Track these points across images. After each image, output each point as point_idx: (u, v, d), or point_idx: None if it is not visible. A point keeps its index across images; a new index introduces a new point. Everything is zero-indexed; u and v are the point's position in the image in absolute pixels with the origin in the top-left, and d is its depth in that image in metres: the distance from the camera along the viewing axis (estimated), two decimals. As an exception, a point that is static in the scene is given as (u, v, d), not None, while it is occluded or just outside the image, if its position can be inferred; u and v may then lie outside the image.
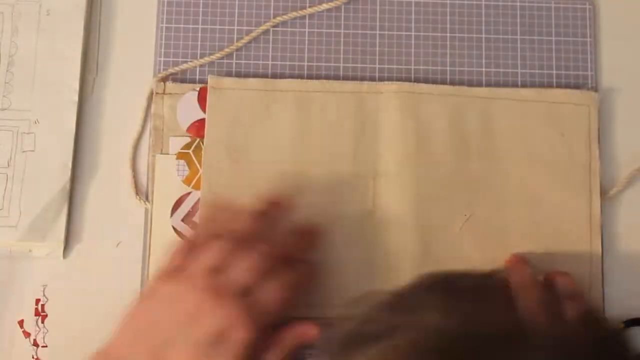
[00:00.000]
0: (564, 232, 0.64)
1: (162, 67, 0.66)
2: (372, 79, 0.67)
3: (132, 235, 0.64)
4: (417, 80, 0.67)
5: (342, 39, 0.68)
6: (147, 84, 0.66)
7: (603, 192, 0.66)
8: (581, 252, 0.64)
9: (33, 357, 0.62)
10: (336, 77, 0.67)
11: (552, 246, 0.64)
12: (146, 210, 0.64)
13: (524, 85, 0.68)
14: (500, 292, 0.53)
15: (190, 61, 0.66)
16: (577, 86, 0.68)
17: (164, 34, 0.67)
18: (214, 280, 0.53)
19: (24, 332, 0.62)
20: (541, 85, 0.68)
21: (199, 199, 0.63)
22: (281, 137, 0.64)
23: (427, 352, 0.46)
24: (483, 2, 0.69)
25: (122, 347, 0.53)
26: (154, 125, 0.65)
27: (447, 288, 0.52)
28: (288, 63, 0.67)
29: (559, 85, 0.68)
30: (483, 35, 0.68)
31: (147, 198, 0.64)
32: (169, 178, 0.64)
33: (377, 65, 0.67)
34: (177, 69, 0.66)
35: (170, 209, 0.64)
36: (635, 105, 0.68)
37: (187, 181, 0.64)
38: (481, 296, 0.52)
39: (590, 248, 0.64)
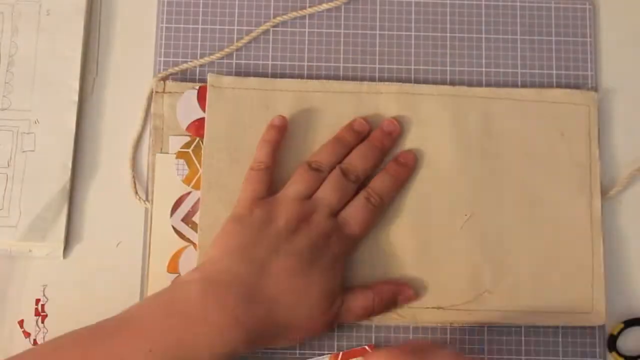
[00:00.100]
0: (564, 232, 0.64)
1: (162, 67, 0.66)
2: (372, 79, 0.67)
3: (132, 235, 0.64)
4: (417, 80, 0.67)
5: (342, 39, 0.68)
6: (147, 84, 0.66)
7: (603, 192, 0.66)
8: (581, 252, 0.64)
9: (33, 357, 0.62)
10: (336, 77, 0.67)
11: (552, 246, 0.64)
12: (146, 210, 0.64)
13: (524, 85, 0.68)
14: None
15: (190, 61, 0.67)
16: (577, 86, 0.68)
17: (164, 34, 0.67)
18: (302, 204, 0.60)
19: (24, 332, 0.62)
20: (541, 85, 0.68)
21: (198, 199, 0.63)
22: (281, 136, 0.64)
23: None
24: (483, 2, 0.69)
25: (222, 262, 0.58)
26: (153, 125, 0.65)
27: None
28: (288, 63, 0.67)
29: (559, 85, 0.68)
30: (483, 35, 0.68)
31: (147, 198, 0.64)
32: (169, 178, 0.64)
33: (377, 65, 0.67)
34: (177, 68, 0.66)
35: (170, 208, 0.64)
36: (635, 105, 0.68)
37: (187, 181, 0.64)
38: None
39: (590, 248, 0.64)
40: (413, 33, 0.68)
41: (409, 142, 0.65)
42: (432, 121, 0.65)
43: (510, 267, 0.63)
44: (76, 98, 0.65)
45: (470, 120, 0.65)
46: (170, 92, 0.65)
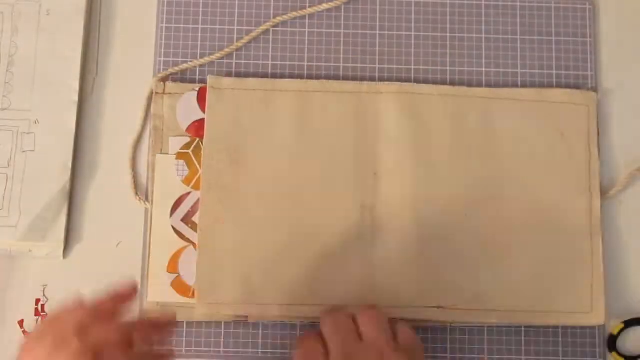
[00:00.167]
0: (563, 232, 0.64)
1: (162, 67, 0.66)
2: (372, 79, 0.67)
3: (132, 235, 0.64)
4: (417, 80, 0.67)
5: (342, 39, 0.68)
6: (147, 84, 0.66)
7: (603, 192, 0.66)
8: (581, 252, 0.64)
9: (33, 357, 0.62)
10: (336, 77, 0.67)
11: (552, 246, 0.64)
12: (146, 210, 0.64)
13: (524, 85, 0.68)
14: None
15: (190, 61, 0.67)
16: (576, 86, 0.68)
17: (164, 34, 0.67)
18: None
19: (24, 332, 0.62)
20: (541, 85, 0.68)
21: (198, 199, 0.63)
22: (281, 137, 0.64)
23: None
24: (483, 2, 0.69)
25: None
26: (153, 126, 0.65)
27: None
28: (288, 63, 0.67)
29: (558, 85, 0.68)
30: (483, 35, 0.68)
31: (147, 198, 0.64)
32: (169, 178, 0.64)
33: (377, 65, 0.67)
34: (177, 69, 0.66)
35: (170, 208, 0.64)
36: (635, 105, 0.68)
37: (187, 181, 0.64)
38: None
39: (590, 248, 0.64)
40: (413, 33, 0.68)
41: (409, 142, 0.65)
42: (432, 121, 0.65)
43: (510, 267, 0.63)
44: (76, 98, 0.65)
45: (470, 120, 0.65)
46: (170, 93, 0.65)
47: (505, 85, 0.67)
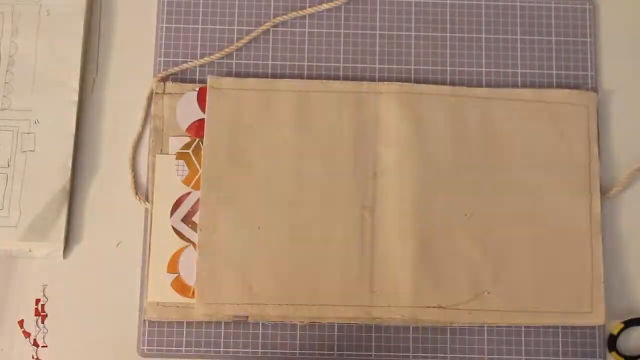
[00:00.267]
0: (563, 232, 0.64)
1: (162, 67, 0.67)
2: (372, 79, 0.67)
3: (132, 235, 0.64)
4: (417, 80, 0.67)
5: (342, 39, 0.68)
6: (147, 84, 0.66)
7: (603, 192, 0.66)
8: (581, 252, 0.64)
9: (33, 357, 0.62)
10: (336, 77, 0.67)
11: (552, 246, 0.64)
12: (146, 210, 0.64)
13: (523, 85, 0.68)
14: None
15: (190, 61, 0.67)
16: (576, 86, 0.68)
17: (164, 34, 0.67)
18: None
19: (24, 332, 0.62)
20: (541, 85, 0.68)
21: (198, 199, 0.63)
22: (281, 136, 0.64)
23: None
24: (483, 2, 0.69)
25: None
26: (153, 126, 0.65)
27: None
28: (288, 63, 0.67)
29: (558, 86, 0.68)
30: (483, 35, 0.68)
31: (147, 198, 0.64)
32: (169, 178, 0.64)
33: (377, 65, 0.67)
34: (177, 69, 0.66)
35: (170, 208, 0.64)
36: (635, 105, 0.68)
37: (187, 181, 0.64)
38: None
39: (590, 248, 0.64)
40: (413, 33, 0.68)
41: (409, 142, 0.65)
42: (432, 121, 0.65)
43: (510, 267, 0.63)
44: (76, 98, 0.65)
45: (470, 120, 0.65)
46: (170, 93, 0.65)
47: (505, 85, 0.67)
